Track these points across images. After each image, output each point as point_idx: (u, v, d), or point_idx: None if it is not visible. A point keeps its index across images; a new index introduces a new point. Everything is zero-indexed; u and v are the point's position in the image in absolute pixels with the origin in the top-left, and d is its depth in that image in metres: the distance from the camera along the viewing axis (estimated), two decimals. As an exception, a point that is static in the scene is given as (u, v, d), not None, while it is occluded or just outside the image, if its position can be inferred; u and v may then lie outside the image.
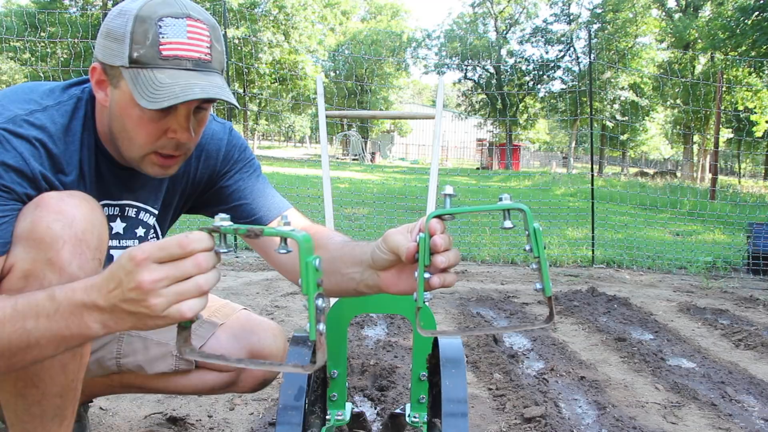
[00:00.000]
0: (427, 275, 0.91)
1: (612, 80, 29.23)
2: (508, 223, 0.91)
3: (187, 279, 0.82)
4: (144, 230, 1.30)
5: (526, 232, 0.91)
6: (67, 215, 0.99)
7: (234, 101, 1.06)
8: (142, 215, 1.27)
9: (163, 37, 1.00)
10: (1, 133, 1.02)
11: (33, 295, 0.90)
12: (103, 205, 1.20)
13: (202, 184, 1.33)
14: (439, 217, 0.91)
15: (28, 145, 1.04)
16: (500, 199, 0.90)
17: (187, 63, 1.02)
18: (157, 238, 1.36)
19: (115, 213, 1.24)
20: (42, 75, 10.34)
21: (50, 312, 0.87)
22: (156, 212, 1.30)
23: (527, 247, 0.91)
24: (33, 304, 0.88)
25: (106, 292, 0.84)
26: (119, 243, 1.27)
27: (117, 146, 1.13)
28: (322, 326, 0.83)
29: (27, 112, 1.07)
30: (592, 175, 6.13)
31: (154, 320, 0.83)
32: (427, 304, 1.18)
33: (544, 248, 0.90)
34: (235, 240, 5.21)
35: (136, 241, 1.30)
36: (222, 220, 0.84)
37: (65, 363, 1.04)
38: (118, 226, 1.26)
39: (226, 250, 0.85)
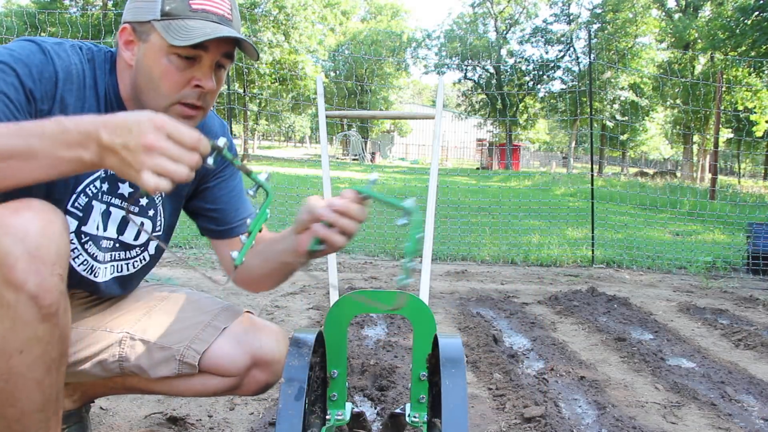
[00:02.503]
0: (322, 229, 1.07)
1: (612, 80, 29.23)
2: (401, 221, 1.04)
3: (174, 162, 0.93)
4: (146, 200, 1.35)
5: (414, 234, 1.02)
6: (19, 230, 0.95)
7: (255, 48, 1.19)
8: None
9: None
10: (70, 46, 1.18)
11: (39, 120, 0.96)
12: None
13: (199, 176, 1.39)
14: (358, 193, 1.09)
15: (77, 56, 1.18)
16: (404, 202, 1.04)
17: (213, 17, 1.15)
18: (161, 218, 1.41)
19: None
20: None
21: (56, 133, 0.93)
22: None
23: (401, 222, 1.03)
24: (39, 125, 0.94)
25: (112, 130, 0.92)
26: (120, 203, 1.32)
27: (141, 102, 1.19)
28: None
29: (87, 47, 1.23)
30: (592, 175, 6.13)
31: (131, 173, 0.93)
32: (427, 303, 1.22)
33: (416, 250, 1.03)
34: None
35: (136, 208, 1.35)
36: (224, 144, 1.01)
37: (40, 380, 1.01)
38: (125, 188, 1.31)
39: (212, 164, 1.00)
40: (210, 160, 0.99)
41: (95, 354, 1.35)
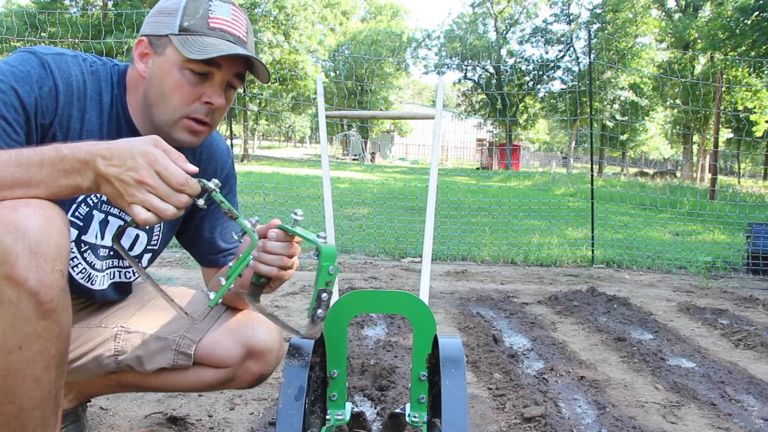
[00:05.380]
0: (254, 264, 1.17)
1: (612, 80, 29.22)
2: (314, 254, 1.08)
3: (161, 198, 0.97)
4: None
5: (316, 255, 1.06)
6: (19, 227, 0.94)
7: (268, 71, 1.25)
8: None
9: (211, 13, 1.19)
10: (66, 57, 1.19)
11: (38, 148, 0.99)
12: None
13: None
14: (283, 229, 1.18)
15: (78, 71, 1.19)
16: (318, 236, 1.11)
17: (229, 36, 1.20)
18: (158, 232, 1.40)
19: None
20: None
21: (54, 161, 0.96)
22: None
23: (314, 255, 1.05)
24: (38, 153, 0.97)
25: (108, 160, 0.96)
26: (119, 213, 1.33)
27: (150, 114, 1.22)
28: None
29: (90, 58, 1.24)
30: (592, 175, 6.13)
31: (122, 204, 0.98)
32: (427, 303, 1.24)
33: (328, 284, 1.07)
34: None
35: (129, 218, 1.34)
36: (216, 186, 1.03)
37: (39, 377, 1.00)
38: None
39: (202, 205, 1.03)
40: (200, 202, 1.02)
41: (91, 350, 1.37)
